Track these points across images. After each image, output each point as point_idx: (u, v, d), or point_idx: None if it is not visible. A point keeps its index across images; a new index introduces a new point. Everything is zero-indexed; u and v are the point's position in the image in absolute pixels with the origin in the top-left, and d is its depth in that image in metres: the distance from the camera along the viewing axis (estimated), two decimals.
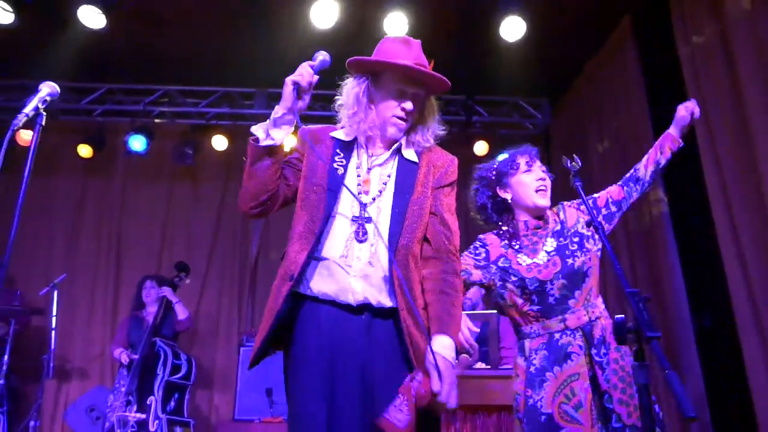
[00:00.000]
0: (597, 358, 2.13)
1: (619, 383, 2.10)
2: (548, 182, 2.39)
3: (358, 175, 1.86)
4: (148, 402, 4.59)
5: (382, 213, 1.79)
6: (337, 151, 1.88)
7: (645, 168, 2.43)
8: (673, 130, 2.45)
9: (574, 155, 2.05)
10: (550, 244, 2.31)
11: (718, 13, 4.04)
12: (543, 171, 2.40)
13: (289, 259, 1.77)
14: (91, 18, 4.40)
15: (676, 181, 4.62)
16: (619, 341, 1.35)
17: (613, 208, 2.41)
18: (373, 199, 1.82)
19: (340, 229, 1.76)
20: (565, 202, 2.48)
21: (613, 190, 2.45)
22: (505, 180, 2.39)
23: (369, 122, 1.87)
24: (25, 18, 4.53)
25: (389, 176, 1.86)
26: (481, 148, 6.49)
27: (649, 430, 1.35)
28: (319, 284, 1.73)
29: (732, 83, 3.92)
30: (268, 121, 1.79)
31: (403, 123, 1.86)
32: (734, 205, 3.84)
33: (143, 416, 4.46)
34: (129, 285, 6.00)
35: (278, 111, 1.77)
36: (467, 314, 2.69)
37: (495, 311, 2.76)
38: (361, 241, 1.75)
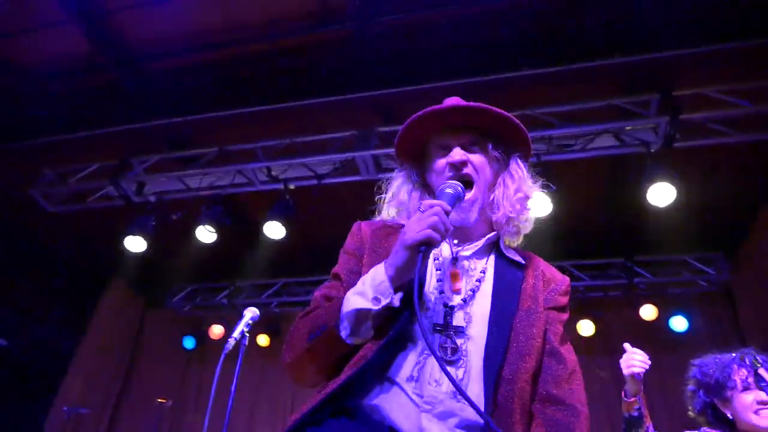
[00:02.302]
0: None
1: None
2: None
3: (438, 269, 1.33)
4: None
5: (474, 324, 1.23)
6: None
7: None
8: None
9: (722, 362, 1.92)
10: None
11: None
12: (765, 386, 2.20)
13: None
14: (274, 230, 5.20)
15: None
16: None
17: None
18: (464, 300, 1.26)
19: (412, 342, 1.20)
20: None
21: None
22: (725, 394, 2.25)
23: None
24: (225, 236, 5.51)
25: (483, 273, 1.33)
26: (648, 312, 6.05)
27: None
28: (377, 403, 1.16)
29: None
30: (368, 294, 1.20)
31: (459, 178, 1.35)
32: None
33: None
34: None
35: (380, 285, 1.18)
36: None
37: None
38: (451, 361, 1.17)
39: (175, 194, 5.61)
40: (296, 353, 1.27)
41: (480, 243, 1.38)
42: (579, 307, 6.45)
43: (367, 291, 1.19)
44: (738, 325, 6.13)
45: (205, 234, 5.33)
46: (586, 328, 6.37)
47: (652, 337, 6.38)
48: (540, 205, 4.51)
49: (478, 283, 1.30)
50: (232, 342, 2.09)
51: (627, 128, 4.68)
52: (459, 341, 1.20)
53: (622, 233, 5.80)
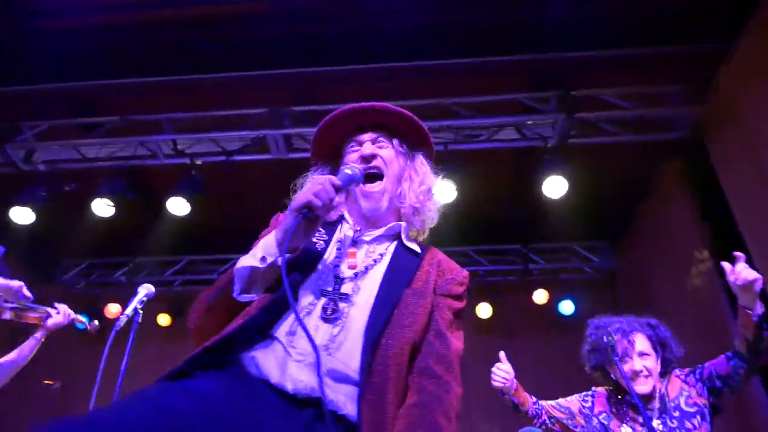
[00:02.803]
0: None
1: None
2: (650, 365, 2.34)
3: (339, 248, 1.45)
4: None
5: (361, 294, 1.34)
6: (319, 229, 1.47)
7: (738, 344, 2.21)
8: (741, 300, 2.13)
9: (609, 330, 2.13)
10: (657, 425, 2.25)
11: (755, 145, 4.15)
12: (641, 355, 2.35)
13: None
14: (178, 207, 5.03)
15: None
16: None
17: (717, 383, 2.26)
18: (356, 275, 1.38)
19: (301, 305, 1.31)
20: (677, 370, 2.39)
21: (719, 363, 2.29)
22: (613, 358, 2.39)
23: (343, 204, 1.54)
24: (125, 210, 5.25)
25: (381, 255, 1.45)
26: (541, 296, 6.51)
27: None
28: (254, 354, 1.24)
29: None
30: (257, 255, 1.32)
31: (369, 171, 1.49)
32: None
33: None
34: None
35: (269, 248, 1.31)
36: None
37: None
38: (329, 319, 1.27)
39: (70, 164, 5.26)
40: (198, 317, 1.37)
41: (381, 230, 1.49)
42: (478, 291, 6.80)
43: (257, 253, 1.32)
44: (617, 308, 6.73)
45: (103, 207, 5.06)
46: (484, 310, 6.73)
47: (543, 320, 6.88)
48: (445, 192, 4.70)
49: (373, 263, 1.42)
50: (123, 319, 2.02)
51: (528, 123, 4.97)
52: (342, 305, 1.30)
53: (520, 221, 6.17)
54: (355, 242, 1.47)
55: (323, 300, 1.31)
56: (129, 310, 2.06)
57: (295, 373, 1.19)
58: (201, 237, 6.68)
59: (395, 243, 1.50)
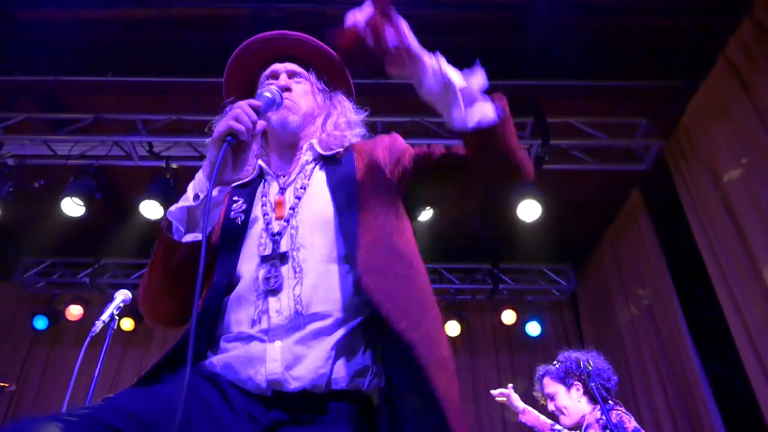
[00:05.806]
0: None
1: None
2: (561, 402, 2.70)
3: (263, 205, 1.33)
4: None
5: (306, 234, 1.22)
6: (234, 198, 1.38)
7: None
8: None
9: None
10: None
11: (717, 179, 4.34)
12: (551, 398, 2.76)
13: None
14: (150, 209, 4.94)
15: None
16: None
17: None
18: (287, 221, 1.25)
19: (245, 290, 1.19)
20: (612, 413, 2.57)
21: None
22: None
23: (259, 145, 1.48)
24: (93, 210, 5.12)
25: (304, 188, 1.33)
26: (509, 317, 6.60)
27: None
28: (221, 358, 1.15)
29: (740, 239, 4.09)
30: (189, 196, 1.22)
31: (288, 96, 1.42)
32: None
33: None
34: None
35: (200, 184, 1.21)
36: None
37: None
38: (274, 290, 1.15)
39: (40, 159, 5.13)
40: (143, 282, 1.29)
41: (298, 167, 1.39)
42: (447, 308, 6.86)
43: (190, 193, 1.22)
44: (579, 329, 6.91)
45: (72, 206, 4.93)
46: (452, 328, 6.76)
47: (509, 339, 6.99)
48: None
49: (297, 199, 1.31)
50: (99, 325, 1.99)
51: None
52: (284, 268, 1.18)
53: (490, 241, 6.27)
54: (283, 190, 1.35)
55: (265, 267, 1.18)
56: (105, 316, 2.04)
57: (278, 351, 1.09)
58: None
59: (318, 164, 1.40)
